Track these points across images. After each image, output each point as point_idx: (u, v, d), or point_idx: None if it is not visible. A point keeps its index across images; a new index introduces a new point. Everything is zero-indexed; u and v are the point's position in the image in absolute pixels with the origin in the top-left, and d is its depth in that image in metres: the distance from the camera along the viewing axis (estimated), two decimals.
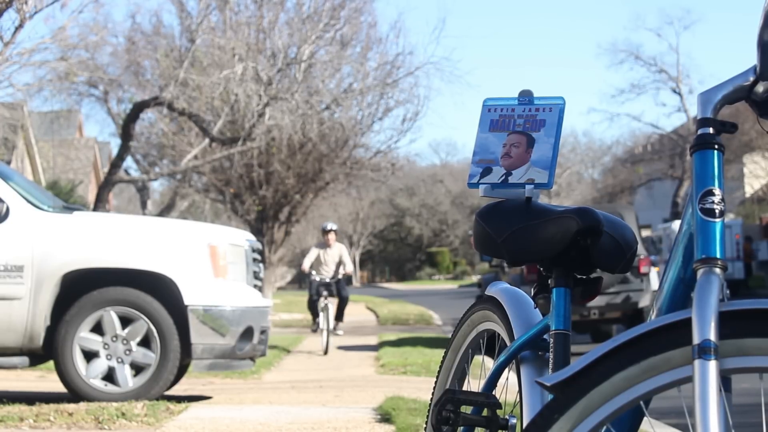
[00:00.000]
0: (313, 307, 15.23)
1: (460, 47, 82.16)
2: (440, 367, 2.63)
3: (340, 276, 15.24)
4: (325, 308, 14.14)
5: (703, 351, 1.50)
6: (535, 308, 2.28)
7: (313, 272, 15.06)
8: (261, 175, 23.52)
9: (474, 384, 2.48)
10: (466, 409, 2.30)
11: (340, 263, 15.18)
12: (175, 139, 24.05)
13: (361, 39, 23.76)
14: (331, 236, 15.19)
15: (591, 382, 1.56)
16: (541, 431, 1.56)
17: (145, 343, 7.39)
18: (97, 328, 7.37)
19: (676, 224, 28.92)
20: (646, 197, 46.89)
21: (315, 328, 15.24)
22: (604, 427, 1.58)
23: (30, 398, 7.40)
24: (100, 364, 7.35)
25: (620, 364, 1.55)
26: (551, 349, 2.11)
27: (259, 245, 8.50)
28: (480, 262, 42.08)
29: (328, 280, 14.93)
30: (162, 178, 28.46)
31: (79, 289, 7.37)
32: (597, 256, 2.14)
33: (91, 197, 30.75)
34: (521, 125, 2.31)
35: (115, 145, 35.09)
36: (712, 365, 1.49)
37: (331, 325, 14.48)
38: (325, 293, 14.65)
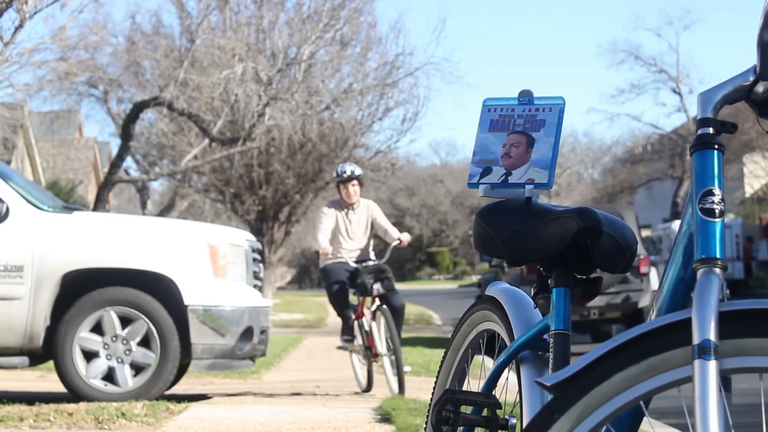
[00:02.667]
0: (342, 306, 8.72)
1: (460, 48, 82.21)
2: (440, 367, 2.63)
3: (372, 257, 8.89)
4: (378, 315, 8.58)
5: (703, 351, 1.50)
6: (535, 308, 2.28)
7: (329, 254, 8.59)
8: (261, 175, 23.52)
9: (474, 384, 2.48)
10: (466, 409, 2.30)
11: (372, 232, 8.93)
12: (175, 139, 24.05)
13: (361, 39, 23.79)
14: (354, 189, 8.82)
15: (591, 382, 1.56)
16: (541, 431, 1.56)
17: (145, 343, 7.39)
18: (97, 328, 7.37)
19: (676, 224, 28.93)
20: (646, 197, 46.89)
21: (347, 344, 8.86)
22: (604, 427, 1.58)
23: (30, 398, 7.39)
24: (100, 364, 7.34)
25: (620, 364, 1.55)
26: (551, 349, 2.11)
27: (259, 245, 8.50)
28: (480, 262, 42.09)
29: (354, 265, 8.61)
30: (162, 178, 28.48)
31: (79, 289, 7.36)
32: (597, 256, 2.14)
33: (91, 197, 30.75)
34: (521, 125, 2.31)
35: (115, 145, 35.11)
36: (712, 365, 1.49)
37: (382, 348, 8.58)
38: (371, 282, 8.50)
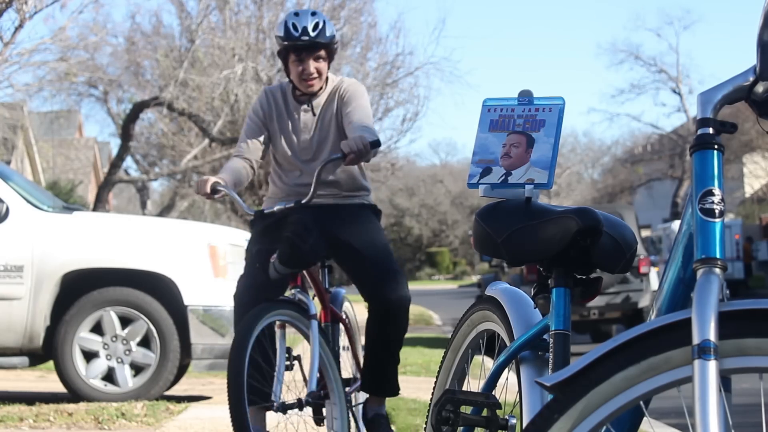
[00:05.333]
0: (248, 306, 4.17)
1: (460, 47, 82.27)
2: (440, 367, 2.63)
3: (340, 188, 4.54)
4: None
5: (703, 351, 1.50)
6: (535, 308, 2.28)
7: (207, 191, 4.33)
8: (261, 175, 23.50)
9: (474, 384, 2.48)
10: (466, 409, 2.30)
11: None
12: (175, 139, 24.05)
13: (361, 39, 23.76)
14: (318, 66, 4.46)
15: (591, 382, 1.56)
16: (541, 431, 1.56)
17: (145, 343, 7.39)
18: (97, 328, 7.36)
19: (676, 224, 28.92)
20: (646, 197, 46.89)
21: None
22: (604, 427, 1.58)
23: (30, 398, 7.39)
24: (100, 364, 7.34)
25: (620, 364, 1.55)
26: (551, 349, 2.12)
27: None
28: (480, 262, 42.10)
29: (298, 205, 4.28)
30: (162, 178, 28.48)
31: (79, 289, 7.36)
32: (597, 256, 2.15)
33: (91, 197, 30.76)
34: (521, 125, 2.31)
35: (115, 145, 35.11)
36: (712, 365, 1.50)
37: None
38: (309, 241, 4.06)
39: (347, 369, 4.76)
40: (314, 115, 4.57)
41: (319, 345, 4.23)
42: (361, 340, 4.77)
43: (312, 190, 4.25)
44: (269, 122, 4.64)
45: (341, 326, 4.73)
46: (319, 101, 4.58)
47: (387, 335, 4.52)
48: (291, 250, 4.08)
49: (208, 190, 4.38)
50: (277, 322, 4.26)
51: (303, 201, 4.27)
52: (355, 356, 4.89)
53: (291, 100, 4.62)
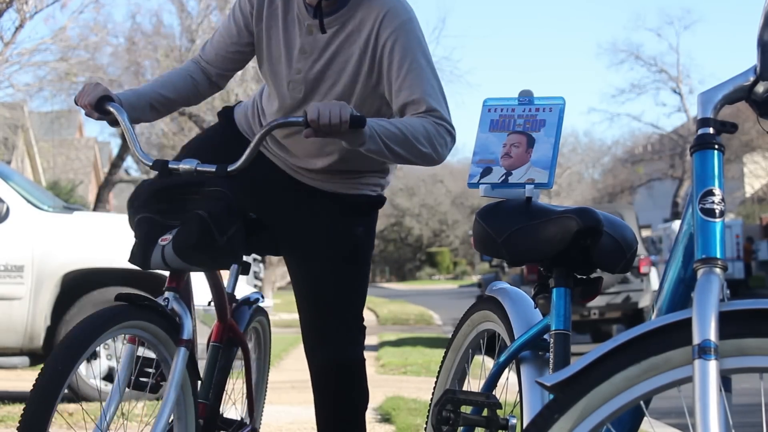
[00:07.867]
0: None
1: (460, 47, 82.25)
2: (440, 367, 2.63)
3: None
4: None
5: (703, 351, 1.50)
6: (535, 308, 2.28)
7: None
8: None
9: (474, 384, 2.48)
10: (466, 409, 2.31)
11: (371, 100, 2.87)
12: (175, 139, 24.05)
13: None
14: None
15: (591, 382, 1.56)
16: (541, 431, 1.56)
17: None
18: None
19: (676, 224, 28.92)
20: (646, 197, 46.88)
21: None
22: (604, 427, 1.58)
23: None
24: (100, 364, 7.35)
25: (620, 364, 1.55)
26: (551, 349, 2.12)
27: None
28: (480, 262, 42.12)
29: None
30: None
31: (79, 289, 7.36)
32: (597, 256, 2.15)
33: (91, 197, 30.77)
34: (521, 125, 2.31)
35: (115, 145, 35.13)
36: (712, 365, 1.50)
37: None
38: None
39: (236, 407, 3.47)
40: (323, 33, 2.90)
41: (178, 382, 2.78)
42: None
43: (245, 156, 2.70)
44: (256, 25, 3.03)
45: (239, 350, 3.42)
46: (335, 19, 2.89)
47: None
48: (198, 238, 2.68)
49: (93, 101, 2.81)
50: (127, 336, 2.80)
51: (230, 168, 2.72)
52: (248, 393, 3.49)
53: (294, 1, 2.96)
